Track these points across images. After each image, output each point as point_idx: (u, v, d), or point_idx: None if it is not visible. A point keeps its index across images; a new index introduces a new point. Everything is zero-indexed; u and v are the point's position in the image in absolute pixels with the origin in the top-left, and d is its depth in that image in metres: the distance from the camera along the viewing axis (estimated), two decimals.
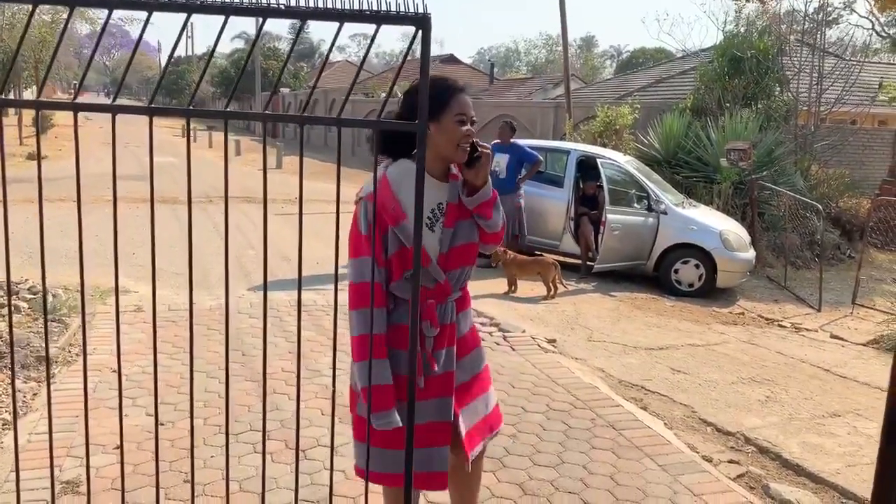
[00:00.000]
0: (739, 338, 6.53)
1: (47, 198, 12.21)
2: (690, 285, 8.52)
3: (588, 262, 8.73)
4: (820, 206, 9.62)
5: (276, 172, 19.40)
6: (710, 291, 8.48)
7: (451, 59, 41.86)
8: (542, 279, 7.54)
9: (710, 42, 18.19)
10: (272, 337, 5.60)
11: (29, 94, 47.21)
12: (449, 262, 2.39)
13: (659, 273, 8.63)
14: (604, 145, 12.49)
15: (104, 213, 11.01)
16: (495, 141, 9.00)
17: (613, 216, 8.38)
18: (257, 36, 2.67)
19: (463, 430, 2.43)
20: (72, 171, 16.81)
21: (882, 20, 15.29)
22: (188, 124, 2.45)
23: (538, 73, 56.33)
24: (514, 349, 5.64)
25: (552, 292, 7.48)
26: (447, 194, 2.40)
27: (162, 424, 4.06)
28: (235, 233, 10.29)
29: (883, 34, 15.94)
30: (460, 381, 2.48)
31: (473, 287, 7.34)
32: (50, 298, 5.75)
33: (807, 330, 7.29)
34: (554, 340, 5.97)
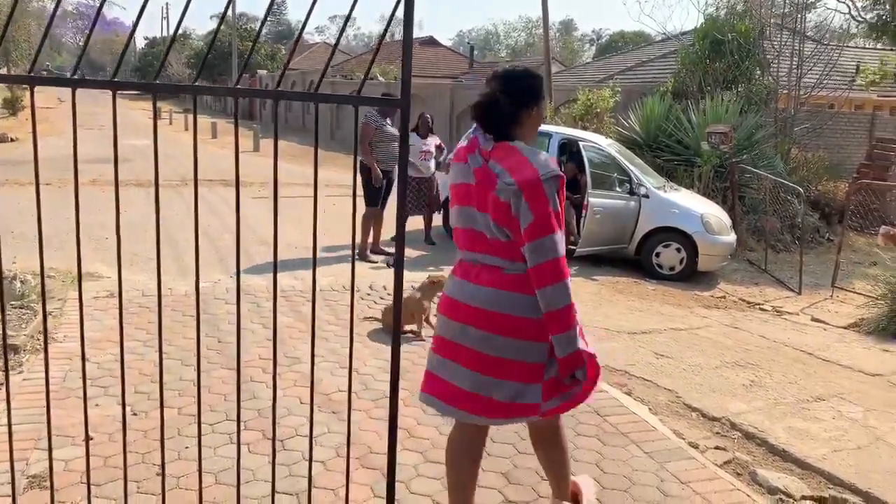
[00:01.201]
0: (722, 321, 6.50)
1: (17, 181, 11.94)
2: (672, 269, 8.50)
3: (570, 246, 8.65)
4: (801, 190, 9.62)
5: (252, 155, 19.14)
6: (691, 275, 8.46)
7: (430, 42, 41.51)
8: None
9: (690, 25, 18.18)
10: (249, 323, 5.48)
11: None
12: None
13: (640, 257, 8.60)
14: (585, 129, 12.40)
15: (73, 196, 10.64)
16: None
17: (595, 200, 8.31)
18: (225, 11, 2.53)
19: None
20: (43, 155, 16.40)
21: (859, 5, 15.25)
22: (154, 101, 2.32)
23: (518, 56, 56.10)
24: None
25: None
26: None
27: (135, 414, 3.93)
28: (211, 217, 10.11)
29: (860, 19, 15.95)
30: None
31: (448, 271, 7.20)
32: (18, 285, 5.57)
33: (788, 313, 7.29)
34: None
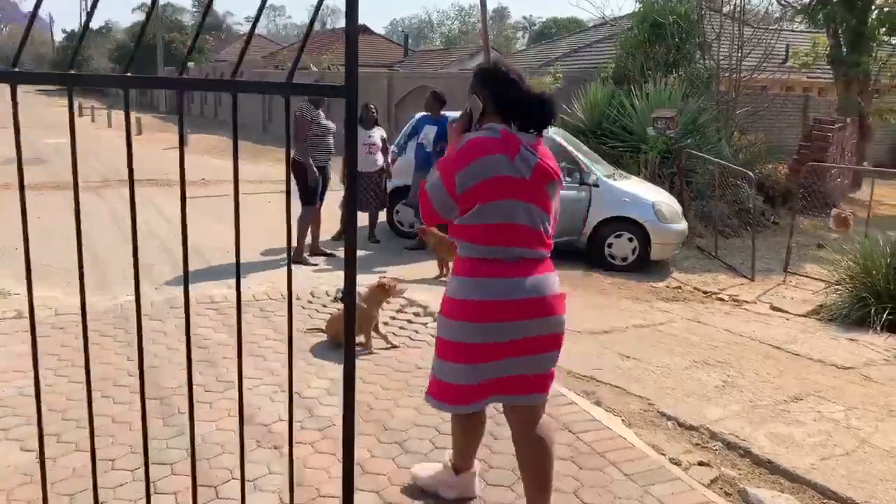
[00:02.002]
0: (684, 315, 6.23)
1: None
2: (624, 260, 8.23)
3: None
4: (751, 174, 9.48)
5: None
6: (643, 265, 8.21)
7: (363, 30, 40.67)
8: None
9: (628, 9, 18.00)
10: (175, 342, 4.92)
11: None
12: None
13: (591, 248, 8.30)
14: None
15: None
16: (424, 113, 8.43)
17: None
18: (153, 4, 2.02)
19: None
20: None
21: None
22: (70, 95, 1.85)
23: (452, 44, 55.70)
24: None
25: None
26: None
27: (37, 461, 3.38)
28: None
29: (783, 2, 16.11)
30: None
31: (401, 272, 6.70)
32: None
33: (746, 302, 7.09)
34: None
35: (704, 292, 7.48)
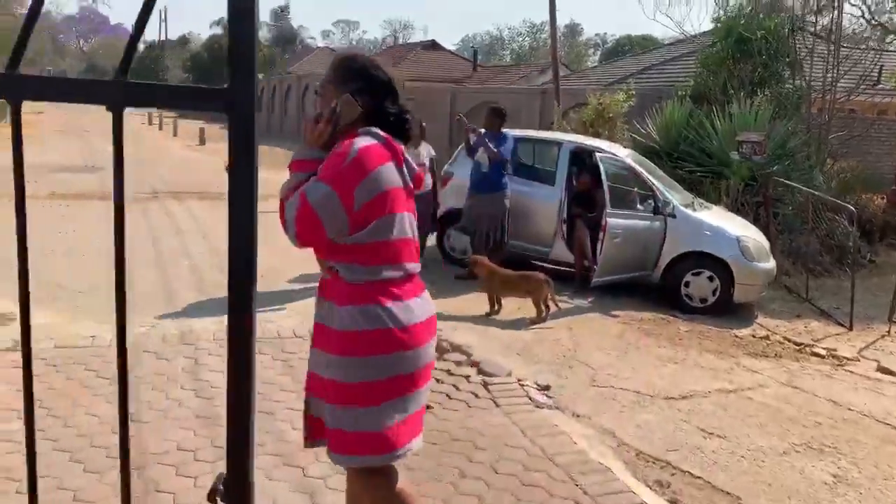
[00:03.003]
0: (776, 378, 5.26)
1: None
2: (703, 300, 7.25)
3: (584, 274, 7.43)
4: (852, 209, 8.36)
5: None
6: (725, 308, 7.22)
7: (432, 46, 40.37)
8: (531, 299, 6.24)
9: (708, 24, 16.82)
10: (178, 390, 4.26)
11: None
12: None
13: (666, 285, 7.36)
14: (596, 135, 11.19)
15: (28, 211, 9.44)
16: (481, 129, 7.68)
17: (614, 220, 7.07)
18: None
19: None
20: (4, 163, 15.19)
21: (872, 8, 14.09)
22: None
23: (522, 60, 54.99)
24: (497, 403, 4.33)
25: (543, 314, 6.19)
26: None
27: None
28: (172, 237, 8.91)
29: (874, 21, 14.80)
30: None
31: (446, 305, 5.92)
32: None
33: (848, 360, 6.04)
34: (548, 387, 4.67)
35: (797, 344, 6.45)
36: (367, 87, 2.29)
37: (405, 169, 2.31)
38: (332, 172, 2.17)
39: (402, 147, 2.32)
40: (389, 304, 2.21)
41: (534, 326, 6.06)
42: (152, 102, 0.93)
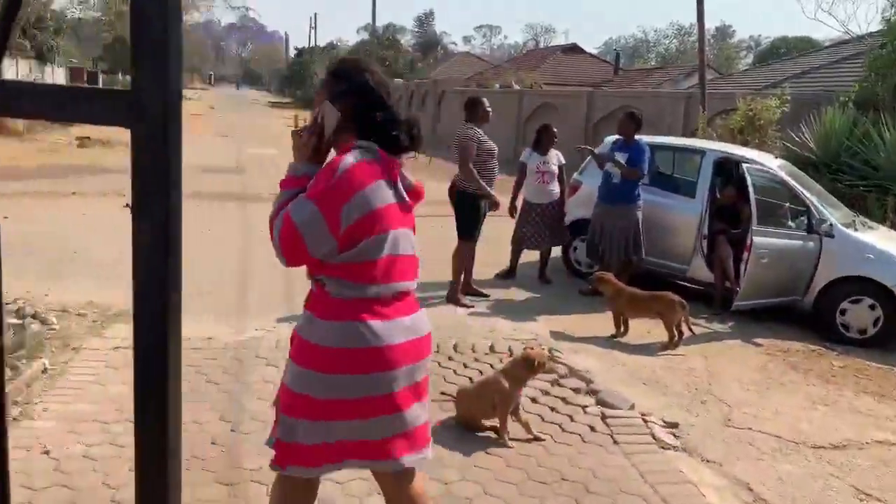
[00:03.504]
0: None
1: (102, 192, 11.46)
2: (862, 332, 6.41)
3: (724, 296, 6.79)
4: None
5: None
6: (887, 340, 6.35)
7: (572, 49, 39.63)
8: (662, 322, 5.74)
9: (877, 24, 15.14)
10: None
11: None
12: None
13: (818, 312, 6.59)
14: (744, 144, 10.36)
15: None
16: (615, 137, 7.23)
17: (762, 238, 6.40)
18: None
19: None
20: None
21: None
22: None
23: (668, 62, 52.97)
24: (615, 440, 3.92)
25: (675, 340, 5.67)
26: None
27: None
28: None
29: None
30: None
31: (567, 323, 5.52)
32: (10, 333, 4.55)
33: None
34: (676, 425, 4.20)
35: None
36: (353, 90, 2.22)
37: (399, 184, 2.22)
38: (319, 190, 2.09)
39: (399, 160, 2.25)
40: (371, 321, 2.13)
41: (664, 353, 5.56)
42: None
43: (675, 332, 5.68)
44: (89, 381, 4.25)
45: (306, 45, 66.84)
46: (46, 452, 3.42)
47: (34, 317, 5.10)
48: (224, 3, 66.68)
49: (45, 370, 4.30)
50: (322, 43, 68.25)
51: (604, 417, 4.19)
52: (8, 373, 4.09)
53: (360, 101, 2.21)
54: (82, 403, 3.95)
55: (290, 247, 2.10)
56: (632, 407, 4.35)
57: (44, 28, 23.14)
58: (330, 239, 2.09)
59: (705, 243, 7.06)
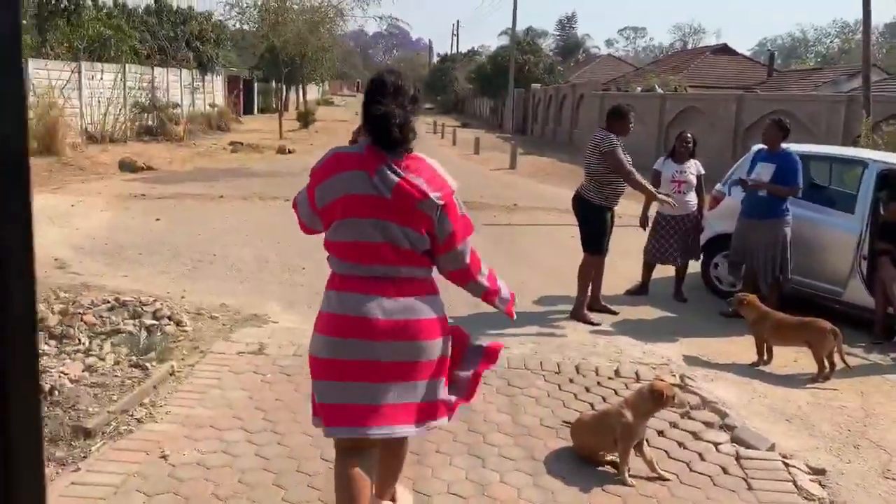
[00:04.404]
0: None
1: (245, 195, 11.96)
2: None
3: (886, 323, 6.09)
4: None
5: (507, 173, 18.07)
6: None
7: (723, 50, 37.74)
8: (812, 351, 5.19)
9: None
10: None
11: (315, 90, 51.21)
12: None
13: None
14: None
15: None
16: (760, 146, 6.68)
17: None
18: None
19: None
20: (305, 168, 16.79)
21: None
22: None
23: (829, 62, 49.33)
24: (750, 485, 3.53)
25: (826, 372, 5.11)
26: None
27: None
28: None
29: None
30: None
31: (705, 347, 5.09)
32: (143, 334, 4.75)
33: None
34: (823, 472, 3.74)
35: None
36: (366, 96, 2.55)
37: (378, 178, 2.41)
38: (311, 173, 2.55)
39: (386, 155, 2.43)
40: (337, 291, 2.51)
41: (812, 386, 5.02)
42: None
43: (827, 364, 5.11)
44: (211, 386, 4.35)
45: (448, 52, 67.97)
46: (164, 457, 3.50)
47: (170, 318, 5.34)
48: (373, 16, 69.07)
49: (172, 373, 4.45)
50: (464, 49, 69.01)
51: (738, 458, 3.79)
52: (137, 375, 4.27)
53: (365, 100, 2.52)
54: (202, 408, 4.04)
55: (297, 217, 2.74)
56: (772, 447, 3.91)
57: (205, 40, 24.78)
58: (313, 215, 2.57)
59: (865, 264, 6.35)
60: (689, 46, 77.59)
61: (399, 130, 2.42)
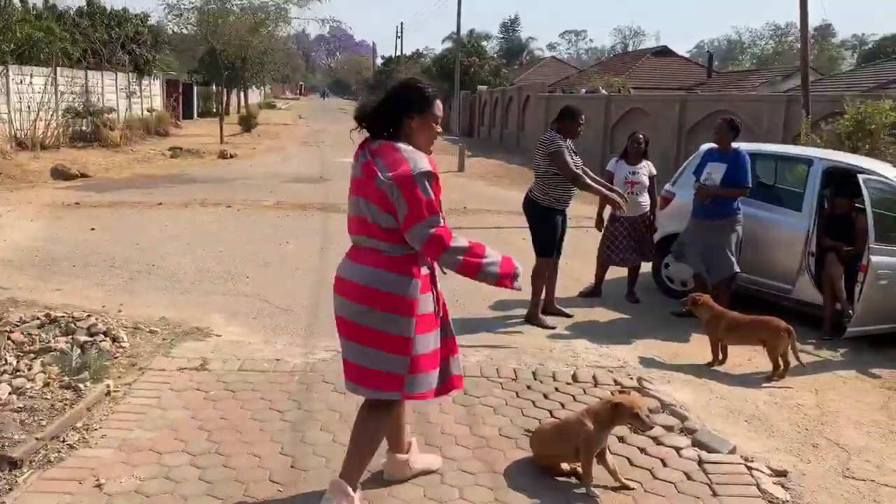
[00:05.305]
0: None
1: (186, 202, 11.55)
2: None
3: (835, 319, 6.15)
4: None
5: (456, 175, 17.95)
6: None
7: (662, 52, 38.42)
8: (767, 350, 5.19)
9: None
10: (344, 430, 3.87)
11: (257, 94, 50.27)
12: None
13: None
14: (854, 150, 9.55)
15: (248, 221, 9.97)
16: (710, 145, 6.68)
17: (881, 258, 5.74)
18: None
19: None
20: (248, 172, 16.46)
21: None
22: None
23: (764, 64, 50.72)
24: (715, 491, 3.45)
25: (781, 370, 5.11)
26: None
27: None
28: None
29: None
30: None
31: (659, 348, 5.02)
32: (76, 352, 4.44)
33: None
34: (785, 473, 3.69)
35: None
36: None
37: (356, 161, 2.92)
38: None
39: (367, 141, 2.92)
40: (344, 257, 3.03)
41: (768, 385, 5.01)
42: None
43: (781, 362, 5.11)
44: (150, 406, 4.08)
45: (392, 55, 67.61)
46: (99, 486, 3.24)
47: (105, 334, 5.03)
48: (315, 18, 68.19)
49: (108, 392, 4.17)
50: (408, 51, 68.79)
51: (701, 462, 3.72)
52: (69, 396, 3.99)
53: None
54: (140, 430, 3.78)
55: None
56: (733, 450, 3.86)
57: (141, 42, 24.01)
58: None
59: (813, 261, 6.41)
60: (630, 49, 78.94)
61: (363, 117, 2.93)
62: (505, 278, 2.88)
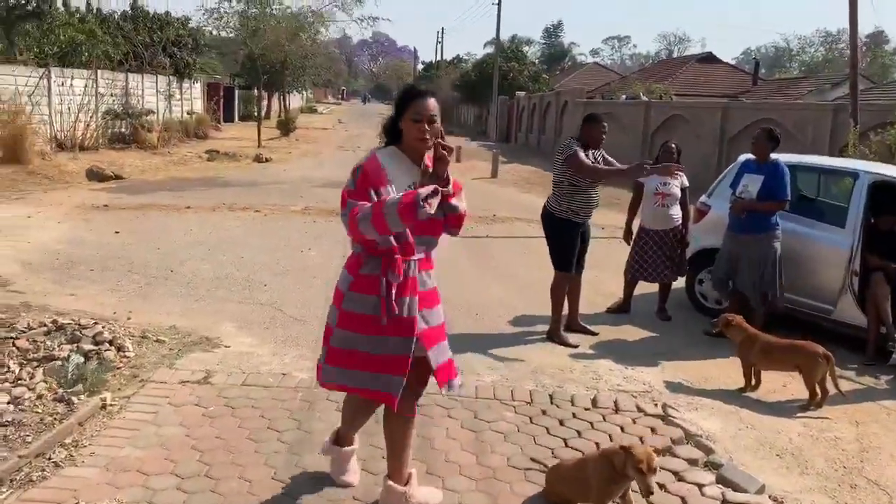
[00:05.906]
0: None
1: (232, 205, 11.53)
2: None
3: (879, 343, 5.75)
4: None
5: (488, 182, 17.69)
6: None
7: (708, 59, 37.69)
8: (802, 376, 4.84)
9: None
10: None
11: (298, 98, 50.66)
12: (415, 228, 2.84)
13: None
14: None
15: (274, 227, 9.86)
16: (747, 156, 6.34)
17: None
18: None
19: (434, 364, 2.99)
20: (281, 177, 16.43)
21: None
22: None
23: (813, 72, 49.41)
24: None
25: (818, 399, 4.75)
26: (417, 177, 2.87)
27: None
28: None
29: None
30: (426, 327, 2.98)
31: (688, 371, 4.69)
32: (74, 361, 4.31)
33: None
34: None
35: None
36: None
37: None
38: None
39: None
40: None
41: (803, 415, 4.66)
42: None
43: (819, 390, 4.76)
44: (146, 421, 3.92)
45: (433, 60, 67.61)
46: None
47: (111, 343, 4.91)
48: (355, 19, 68.52)
49: (104, 406, 4.02)
50: (449, 57, 68.70)
51: (725, 502, 3.42)
52: (61, 410, 3.84)
53: None
54: (131, 448, 3.62)
55: None
56: (761, 489, 3.55)
57: (182, 45, 24.26)
58: None
59: (857, 280, 6.02)
60: (675, 55, 77.77)
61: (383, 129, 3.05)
62: (405, 207, 2.62)
